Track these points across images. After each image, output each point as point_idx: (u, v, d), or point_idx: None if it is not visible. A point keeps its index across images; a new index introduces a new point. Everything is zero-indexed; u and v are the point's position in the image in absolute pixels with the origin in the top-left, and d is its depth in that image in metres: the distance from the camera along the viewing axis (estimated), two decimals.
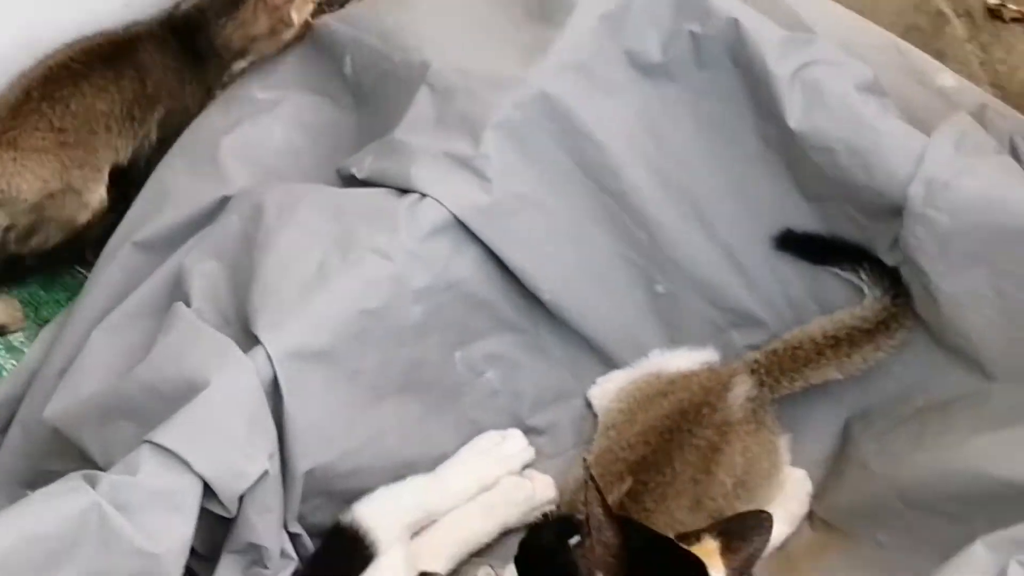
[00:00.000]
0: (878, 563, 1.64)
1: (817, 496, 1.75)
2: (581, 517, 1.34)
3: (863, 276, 1.75)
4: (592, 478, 1.29)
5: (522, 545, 1.42)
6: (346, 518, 1.64)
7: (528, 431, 1.81)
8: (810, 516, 1.75)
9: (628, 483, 1.62)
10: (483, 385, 1.78)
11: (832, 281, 1.79)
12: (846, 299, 1.78)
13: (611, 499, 1.61)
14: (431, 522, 1.70)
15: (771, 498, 1.71)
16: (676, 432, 1.67)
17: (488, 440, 1.78)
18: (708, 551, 1.36)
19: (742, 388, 1.72)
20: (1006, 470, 1.44)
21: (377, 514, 1.63)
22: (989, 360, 1.64)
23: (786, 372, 1.73)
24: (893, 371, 1.75)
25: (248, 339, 1.57)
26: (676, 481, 1.63)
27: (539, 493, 1.74)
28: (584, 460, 1.57)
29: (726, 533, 1.38)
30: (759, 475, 1.69)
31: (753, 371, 1.74)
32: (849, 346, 1.72)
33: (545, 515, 1.69)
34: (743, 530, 1.38)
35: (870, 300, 1.74)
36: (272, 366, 1.55)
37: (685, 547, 1.37)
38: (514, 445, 1.79)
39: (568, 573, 1.33)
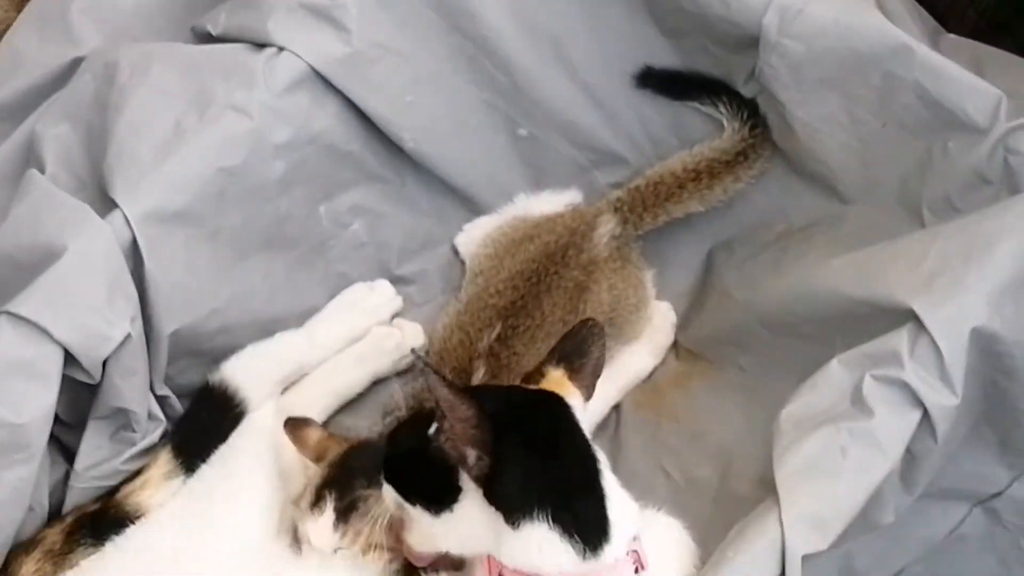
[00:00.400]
0: (741, 387, 1.72)
1: (682, 326, 1.82)
2: (431, 405, 1.34)
3: (722, 109, 1.77)
4: (426, 364, 1.30)
5: (386, 459, 1.42)
6: (214, 377, 1.66)
7: (396, 281, 1.84)
8: (675, 346, 1.81)
9: (498, 328, 1.66)
10: (349, 237, 1.80)
11: (692, 116, 1.82)
12: (706, 133, 1.82)
13: (482, 344, 1.66)
14: (302, 376, 1.73)
15: (639, 332, 1.77)
16: (543, 275, 1.70)
17: (355, 292, 1.81)
18: (556, 380, 1.38)
19: (606, 227, 1.75)
20: (860, 289, 1.48)
21: (245, 371, 1.66)
22: (844, 184, 1.69)
23: (649, 208, 1.77)
24: (753, 200, 1.80)
25: (106, 203, 1.56)
26: (545, 323, 1.67)
27: (408, 341, 1.78)
28: (413, 351, 1.64)
29: (564, 357, 1.40)
30: (626, 311, 1.74)
31: (616, 209, 1.77)
32: (709, 178, 1.76)
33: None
34: (579, 346, 1.40)
35: (729, 132, 1.77)
36: (131, 229, 1.53)
37: (534, 387, 1.39)
38: (381, 295, 1.82)
39: (439, 463, 1.32)
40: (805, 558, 1.30)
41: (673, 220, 1.80)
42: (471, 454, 1.28)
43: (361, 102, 1.71)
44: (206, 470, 1.61)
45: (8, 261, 1.53)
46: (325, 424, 1.73)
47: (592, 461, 1.33)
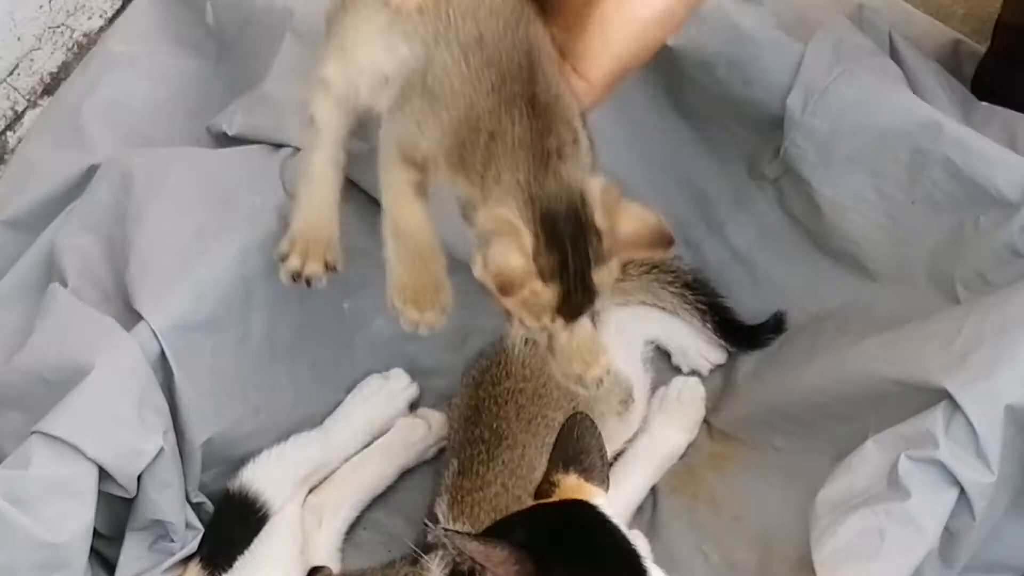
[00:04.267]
0: (776, 467, 1.80)
1: (714, 408, 1.90)
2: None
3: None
4: (446, 531, 1.38)
5: None
6: (234, 484, 1.75)
7: (427, 373, 1.93)
8: (709, 428, 1.90)
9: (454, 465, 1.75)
10: (374, 333, 1.87)
11: (717, 199, 1.93)
12: (731, 216, 1.93)
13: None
14: (330, 473, 1.83)
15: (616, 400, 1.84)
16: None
17: (370, 384, 1.90)
18: (572, 486, 1.43)
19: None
20: (893, 369, 1.56)
21: (264, 475, 1.76)
22: (875, 262, 1.78)
23: None
24: (782, 283, 1.89)
25: (131, 315, 1.63)
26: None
27: (435, 431, 1.88)
28: (426, 525, 1.69)
29: (569, 461, 1.43)
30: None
31: None
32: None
33: None
34: (577, 444, 1.44)
35: None
36: (158, 341, 1.61)
37: (554, 500, 1.43)
38: (397, 383, 1.91)
39: None
40: None
41: None
42: None
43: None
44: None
45: (36, 379, 1.60)
46: (358, 520, 1.84)
47: (636, 559, 1.38)
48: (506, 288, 1.32)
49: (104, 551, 1.67)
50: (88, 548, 1.55)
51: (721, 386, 1.92)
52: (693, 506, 1.84)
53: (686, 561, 1.77)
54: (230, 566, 1.71)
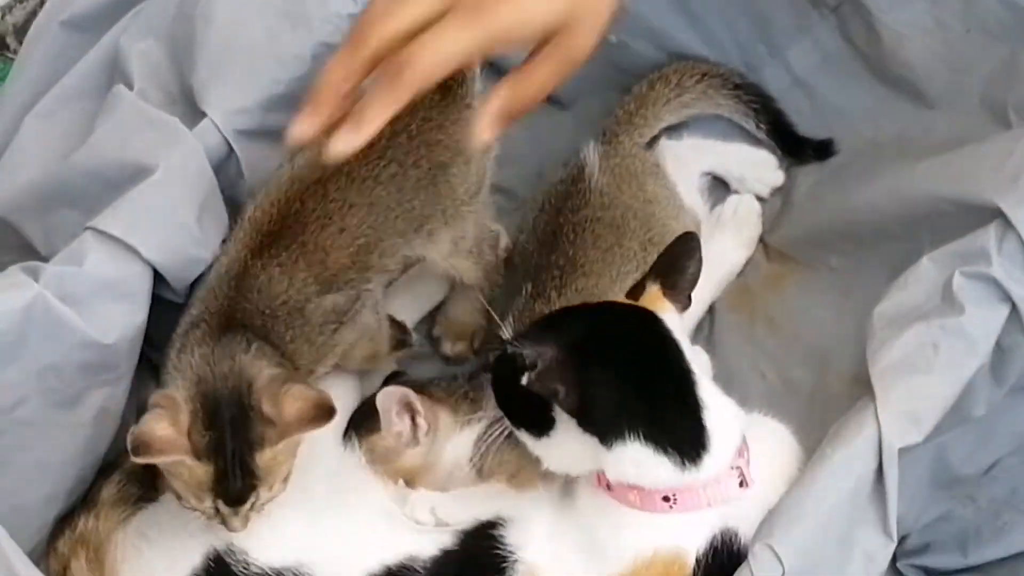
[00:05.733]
0: (832, 286, 1.85)
1: (771, 229, 1.95)
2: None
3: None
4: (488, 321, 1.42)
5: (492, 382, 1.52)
6: None
7: None
8: (765, 248, 1.94)
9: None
10: None
11: (780, 21, 1.94)
12: (792, 40, 1.95)
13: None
14: None
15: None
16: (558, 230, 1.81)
17: None
18: (652, 296, 1.49)
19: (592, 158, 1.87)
20: (948, 188, 1.60)
21: None
22: (931, 89, 1.82)
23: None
24: (841, 107, 1.93)
25: (197, 119, 1.60)
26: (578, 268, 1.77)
27: None
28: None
29: (662, 272, 1.50)
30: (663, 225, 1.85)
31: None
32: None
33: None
34: (675, 261, 1.50)
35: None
36: (227, 143, 1.60)
37: (629, 302, 1.50)
38: None
39: (535, 396, 1.41)
40: (901, 452, 1.42)
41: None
42: (560, 390, 1.39)
43: None
44: None
45: (94, 177, 1.57)
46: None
47: (686, 373, 1.44)
48: (140, 449, 1.39)
49: (153, 358, 1.65)
50: (138, 352, 1.55)
51: (779, 208, 1.96)
52: (750, 324, 1.90)
53: (743, 379, 1.83)
54: None
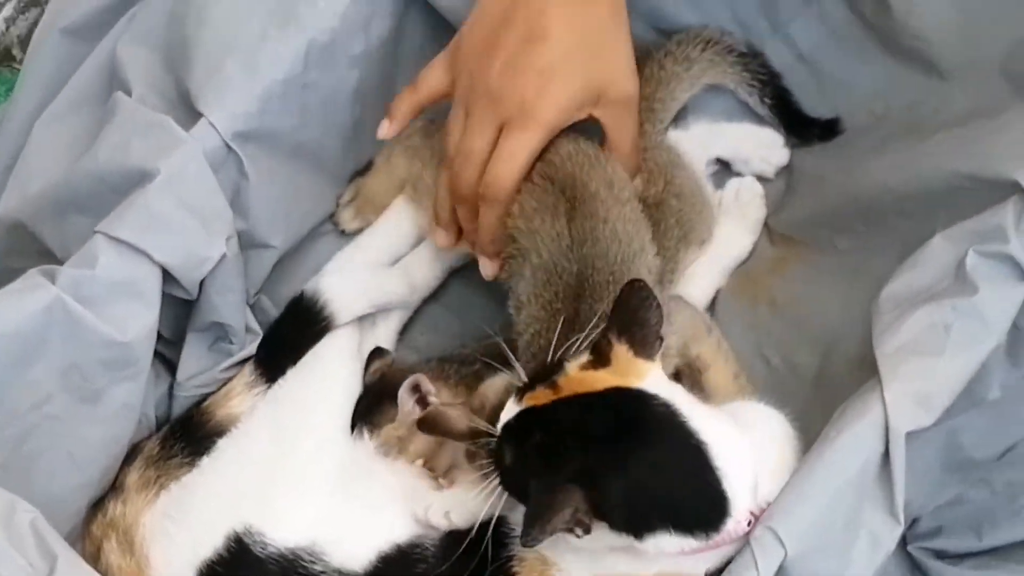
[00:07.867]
0: (839, 268, 1.79)
1: (774, 212, 1.90)
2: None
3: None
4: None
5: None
6: (310, 287, 1.78)
7: None
8: (768, 232, 1.89)
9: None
10: None
11: None
12: (797, 14, 1.88)
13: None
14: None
15: (710, 224, 1.86)
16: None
17: None
18: (625, 363, 1.42)
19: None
20: (964, 163, 1.55)
21: (339, 287, 1.78)
22: (944, 59, 1.75)
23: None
24: (848, 83, 1.87)
25: (195, 120, 1.64)
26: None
27: None
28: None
29: (624, 330, 1.42)
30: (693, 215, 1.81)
31: None
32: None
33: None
34: (634, 315, 1.42)
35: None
36: (228, 146, 1.65)
37: (601, 388, 1.41)
38: None
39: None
40: (910, 435, 1.39)
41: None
42: (588, 523, 1.38)
43: None
44: (288, 378, 1.74)
45: (100, 183, 1.63)
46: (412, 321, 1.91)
47: (697, 448, 1.40)
48: None
49: (166, 353, 1.74)
50: (152, 347, 1.61)
51: (783, 189, 1.91)
52: (753, 310, 1.85)
53: (747, 364, 1.78)
54: (282, 372, 1.75)
